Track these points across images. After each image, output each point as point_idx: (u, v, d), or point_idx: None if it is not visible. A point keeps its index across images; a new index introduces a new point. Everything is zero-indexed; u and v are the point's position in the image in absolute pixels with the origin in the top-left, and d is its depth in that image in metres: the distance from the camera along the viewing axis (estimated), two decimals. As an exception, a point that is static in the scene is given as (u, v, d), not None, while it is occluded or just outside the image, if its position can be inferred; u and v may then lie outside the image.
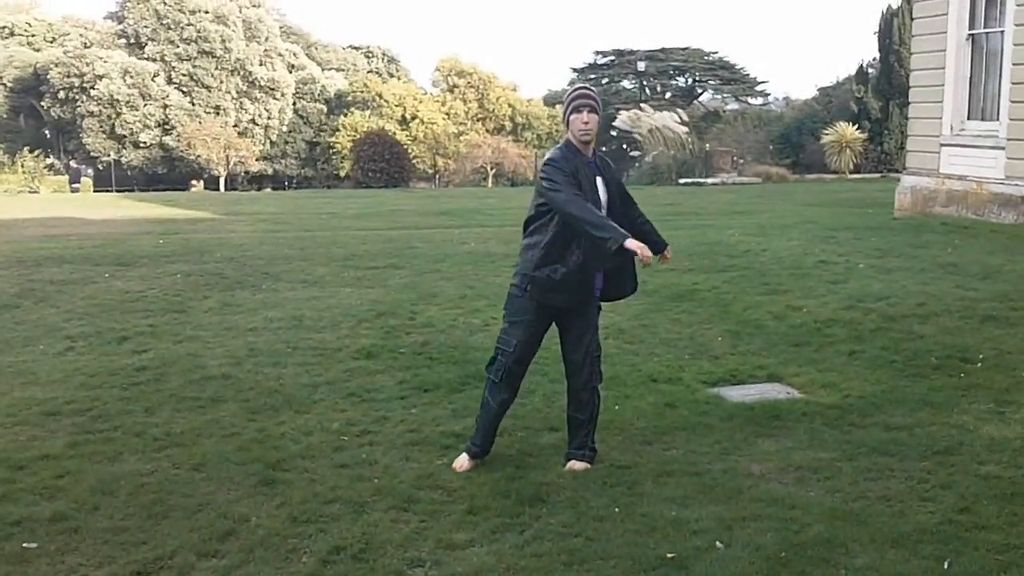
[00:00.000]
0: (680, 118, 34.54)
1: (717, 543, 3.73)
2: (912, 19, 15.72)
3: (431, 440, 5.00)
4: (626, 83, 57.19)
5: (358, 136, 39.32)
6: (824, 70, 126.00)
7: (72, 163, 46.84)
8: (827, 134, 29.85)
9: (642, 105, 37.47)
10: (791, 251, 10.96)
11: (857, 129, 29.65)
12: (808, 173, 30.88)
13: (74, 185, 40.43)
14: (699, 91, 56.43)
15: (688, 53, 54.97)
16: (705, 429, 5.12)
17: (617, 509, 4.07)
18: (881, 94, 30.86)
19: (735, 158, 33.00)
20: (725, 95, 55.53)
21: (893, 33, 29.69)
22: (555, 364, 6.31)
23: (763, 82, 57.97)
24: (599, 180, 4.58)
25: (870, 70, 32.53)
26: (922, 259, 10.17)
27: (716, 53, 55.69)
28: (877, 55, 31.74)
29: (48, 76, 44.61)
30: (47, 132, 48.62)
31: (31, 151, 38.49)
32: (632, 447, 4.88)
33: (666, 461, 4.65)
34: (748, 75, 55.94)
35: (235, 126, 45.63)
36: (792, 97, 55.04)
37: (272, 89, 46.67)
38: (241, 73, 46.05)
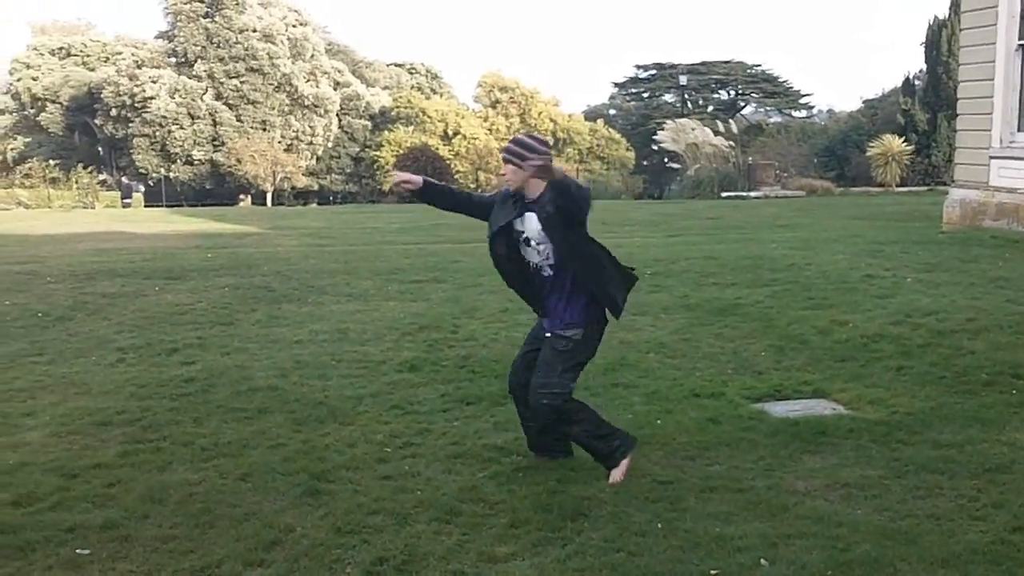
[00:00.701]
0: (729, 130, 34.39)
1: (762, 560, 3.70)
2: (960, 29, 15.52)
3: (473, 453, 5.02)
4: (668, 97, 57.07)
5: (401, 152, 39.66)
6: (869, 82, 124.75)
7: (124, 179, 47.75)
8: (873, 147, 29.52)
9: (680, 120, 37.34)
10: (836, 265, 10.84)
11: (904, 142, 29.28)
12: (853, 186, 30.53)
13: (125, 200, 41.18)
14: (741, 104, 56.14)
15: (730, 66, 54.73)
16: (749, 445, 5.08)
17: (660, 524, 4.05)
18: (928, 106, 30.47)
19: (778, 171, 32.74)
20: (768, 108, 55.21)
21: (941, 44, 29.31)
22: (595, 377, 6.33)
23: (807, 95, 57.43)
24: (528, 215, 4.53)
25: (917, 82, 32.15)
26: (972, 273, 10.01)
27: (759, 66, 55.41)
28: (924, 66, 31.36)
29: (101, 95, 45.61)
30: (100, 149, 49.67)
31: (85, 167, 39.30)
32: (674, 462, 4.85)
33: (709, 477, 4.62)
34: (791, 88, 55.51)
35: (280, 142, 46.26)
36: (836, 109, 54.52)
37: (317, 106, 47.24)
38: (287, 90, 46.68)
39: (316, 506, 4.32)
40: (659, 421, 5.47)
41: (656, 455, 4.94)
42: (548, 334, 4.59)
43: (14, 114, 51.05)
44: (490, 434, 5.34)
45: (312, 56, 48.73)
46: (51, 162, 42.19)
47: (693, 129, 33.98)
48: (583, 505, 4.27)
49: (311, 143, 47.43)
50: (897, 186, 28.81)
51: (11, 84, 51.05)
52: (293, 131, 46.98)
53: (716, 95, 56.20)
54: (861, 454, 4.94)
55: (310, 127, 47.26)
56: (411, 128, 45.71)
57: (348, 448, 5.12)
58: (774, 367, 6.75)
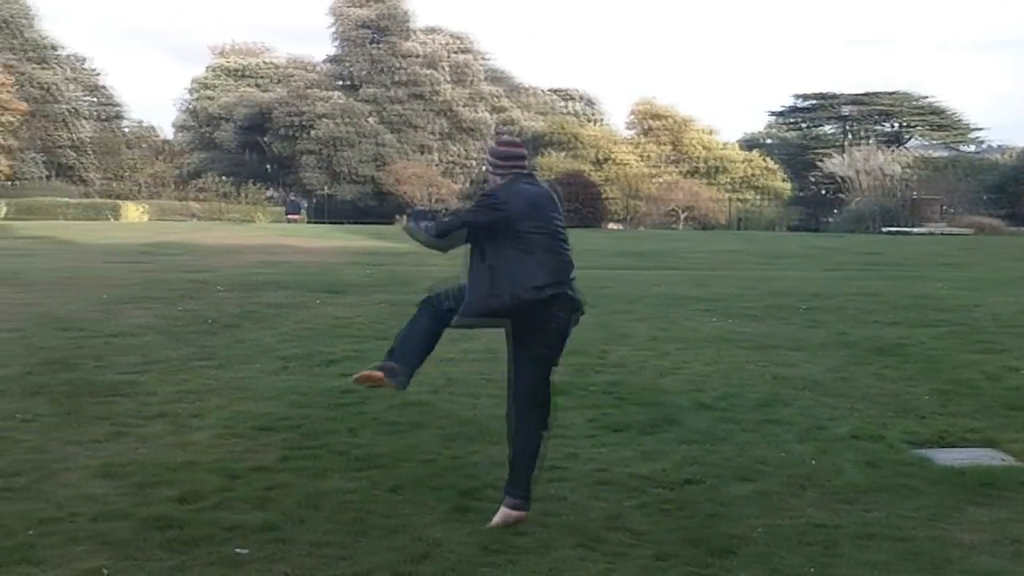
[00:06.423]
0: (895, 162, 33.27)
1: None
2: None
3: (619, 481, 4.98)
4: (827, 127, 55.52)
5: (554, 176, 40.05)
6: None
7: (291, 196, 50.09)
8: (1050, 184, 27.84)
9: (854, 152, 36.30)
10: (1008, 308, 10.26)
11: (1085, 180, 27.50)
12: (1027, 226, 28.86)
13: (291, 216, 43.14)
14: (906, 137, 53.99)
15: (896, 97, 52.79)
16: (910, 492, 4.85)
17: (812, 569, 3.91)
18: (1116, 142, 28.52)
19: (944, 207, 31.32)
20: (935, 141, 52.90)
21: None
22: (747, 412, 6.20)
23: (977, 129, 54.46)
24: None
25: (1103, 117, 30.17)
26: None
27: (927, 98, 53.22)
28: (1112, 101, 29.39)
29: (273, 114, 48.07)
30: (268, 166, 52.32)
31: (254, 183, 41.45)
32: (830, 505, 4.68)
33: (867, 523, 4.43)
34: (961, 121, 53.05)
35: (438, 165, 47.57)
36: (1009, 144, 51.57)
37: (474, 130, 48.32)
38: (448, 115, 47.96)
39: (464, 522, 4.37)
40: (814, 462, 5.30)
41: (811, 496, 4.78)
42: None
43: (192, 131, 54.46)
44: (636, 463, 5.29)
45: (472, 82, 49.92)
46: (223, 177, 44.68)
47: (867, 159, 32.96)
48: (732, 543, 4.17)
49: (467, 166, 48.52)
50: (1077, 227, 27.03)
51: (191, 103, 54.56)
52: (450, 155, 48.21)
53: (879, 127, 54.28)
54: (1033, 510, 4.64)
55: (466, 150, 48.38)
56: (564, 154, 46.08)
57: (495, 467, 5.14)
58: (939, 412, 6.43)
